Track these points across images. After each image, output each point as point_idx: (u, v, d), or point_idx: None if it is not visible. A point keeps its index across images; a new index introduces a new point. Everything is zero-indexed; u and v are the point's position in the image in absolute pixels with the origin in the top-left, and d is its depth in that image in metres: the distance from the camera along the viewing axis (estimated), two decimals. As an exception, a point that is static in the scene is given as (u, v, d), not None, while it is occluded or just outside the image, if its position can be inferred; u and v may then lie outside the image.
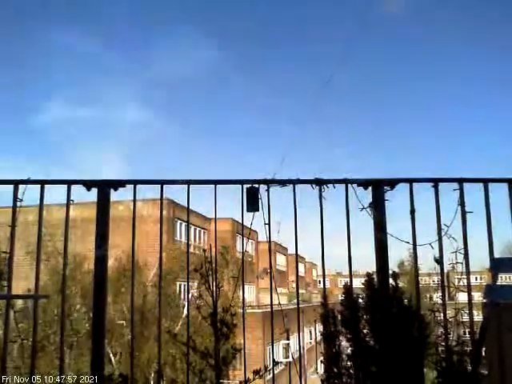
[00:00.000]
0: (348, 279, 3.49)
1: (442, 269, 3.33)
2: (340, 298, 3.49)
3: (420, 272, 3.54)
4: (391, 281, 3.30)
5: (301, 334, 3.68)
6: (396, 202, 3.44)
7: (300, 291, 4.85)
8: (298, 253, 3.76)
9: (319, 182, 3.37)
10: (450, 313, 3.32)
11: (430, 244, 3.32)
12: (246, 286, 4.18)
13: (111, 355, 17.20)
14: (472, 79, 75.72)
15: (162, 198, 3.50)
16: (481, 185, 3.38)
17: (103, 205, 3.36)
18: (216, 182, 3.42)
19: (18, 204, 3.33)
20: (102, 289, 3.30)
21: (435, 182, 3.37)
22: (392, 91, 75.71)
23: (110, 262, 3.31)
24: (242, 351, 3.44)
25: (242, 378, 3.36)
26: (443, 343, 3.27)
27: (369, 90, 69.79)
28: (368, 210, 3.34)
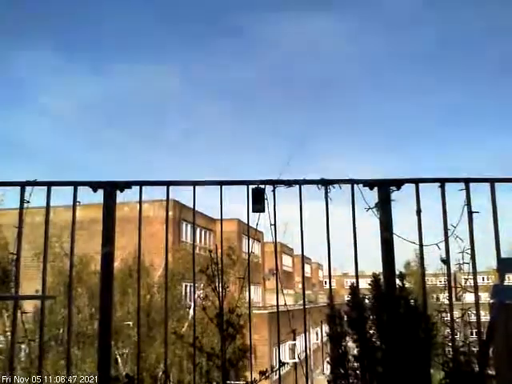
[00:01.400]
0: (354, 280, 3.48)
1: (448, 269, 3.32)
2: (346, 299, 3.48)
3: (426, 272, 3.53)
4: (398, 281, 3.29)
5: (307, 334, 3.68)
6: (402, 202, 3.43)
7: (306, 292, 4.85)
8: (304, 254, 3.75)
9: (325, 183, 3.37)
10: (456, 313, 3.30)
11: (436, 244, 3.31)
12: (252, 287, 4.19)
13: (118, 356, 17.24)
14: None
15: (167, 199, 3.51)
16: (487, 185, 3.37)
17: (109, 206, 3.37)
18: (221, 183, 3.43)
19: (25, 205, 3.35)
20: (109, 290, 3.32)
21: (441, 182, 3.36)
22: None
23: (116, 263, 3.32)
24: (249, 352, 3.44)
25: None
26: (450, 344, 3.26)
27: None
28: (374, 210, 3.34)
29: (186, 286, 21.61)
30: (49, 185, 3.38)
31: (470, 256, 3.26)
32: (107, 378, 3.19)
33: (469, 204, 3.31)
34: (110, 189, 3.37)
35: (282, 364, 3.61)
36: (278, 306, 3.50)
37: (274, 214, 3.39)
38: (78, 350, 16.42)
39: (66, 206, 3.39)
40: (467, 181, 3.34)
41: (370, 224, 3.43)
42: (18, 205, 3.34)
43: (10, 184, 3.47)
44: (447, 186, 3.35)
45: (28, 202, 3.34)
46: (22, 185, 3.36)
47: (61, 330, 16.13)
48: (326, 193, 3.36)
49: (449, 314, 3.28)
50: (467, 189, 3.32)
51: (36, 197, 3.37)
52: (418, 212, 3.35)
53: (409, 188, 3.36)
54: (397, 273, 3.30)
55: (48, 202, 3.38)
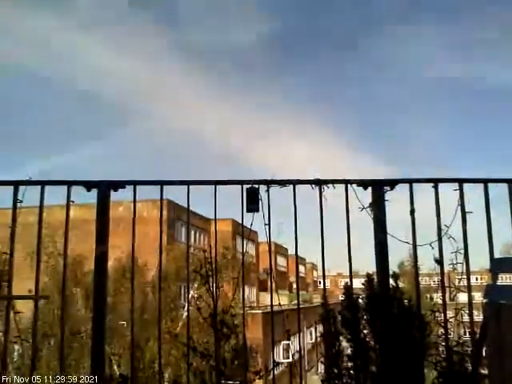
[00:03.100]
0: (348, 280, 3.49)
1: (442, 269, 3.32)
2: (340, 299, 3.49)
3: (420, 272, 3.54)
4: (391, 281, 3.30)
5: (301, 334, 3.69)
6: (396, 202, 3.44)
7: (300, 292, 4.85)
8: (299, 253, 3.75)
9: (319, 183, 3.37)
10: (450, 313, 3.31)
11: (430, 244, 3.32)
12: (246, 287, 4.19)
13: (112, 356, 17.17)
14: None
15: (161, 199, 3.50)
16: (481, 185, 3.38)
17: (103, 205, 3.36)
18: (216, 183, 3.42)
19: (18, 205, 3.33)
20: (103, 290, 3.30)
21: (435, 182, 3.37)
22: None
23: (110, 263, 3.30)
24: (243, 351, 3.44)
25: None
26: (443, 343, 3.27)
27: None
28: (368, 210, 3.34)
29: (180, 285, 21.55)
30: (42, 184, 3.37)
31: (463, 256, 3.27)
32: (101, 377, 3.18)
33: (462, 204, 3.32)
34: (104, 188, 3.36)
35: (276, 364, 3.61)
36: (272, 306, 3.50)
37: (268, 214, 3.38)
38: (72, 350, 16.33)
39: (60, 205, 3.37)
40: (461, 181, 3.35)
41: (365, 224, 3.43)
42: (11, 204, 3.32)
43: (3, 183, 3.45)
44: (441, 186, 3.36)
45: (21, 201, 3.32)
46: (15, 184, 3.34)
47: (54, 330, 16.05)
48: (320, 192, 3.36)
49: (442, 314, 3.29)
50: (461, 189, 3.33)
51: (29, 196, 3.35)
52: (412, 212, 3.35)
53: (403, 188, 3.37)
54: (390, 273, 3.31)
55: (41, 201, 3.36)
